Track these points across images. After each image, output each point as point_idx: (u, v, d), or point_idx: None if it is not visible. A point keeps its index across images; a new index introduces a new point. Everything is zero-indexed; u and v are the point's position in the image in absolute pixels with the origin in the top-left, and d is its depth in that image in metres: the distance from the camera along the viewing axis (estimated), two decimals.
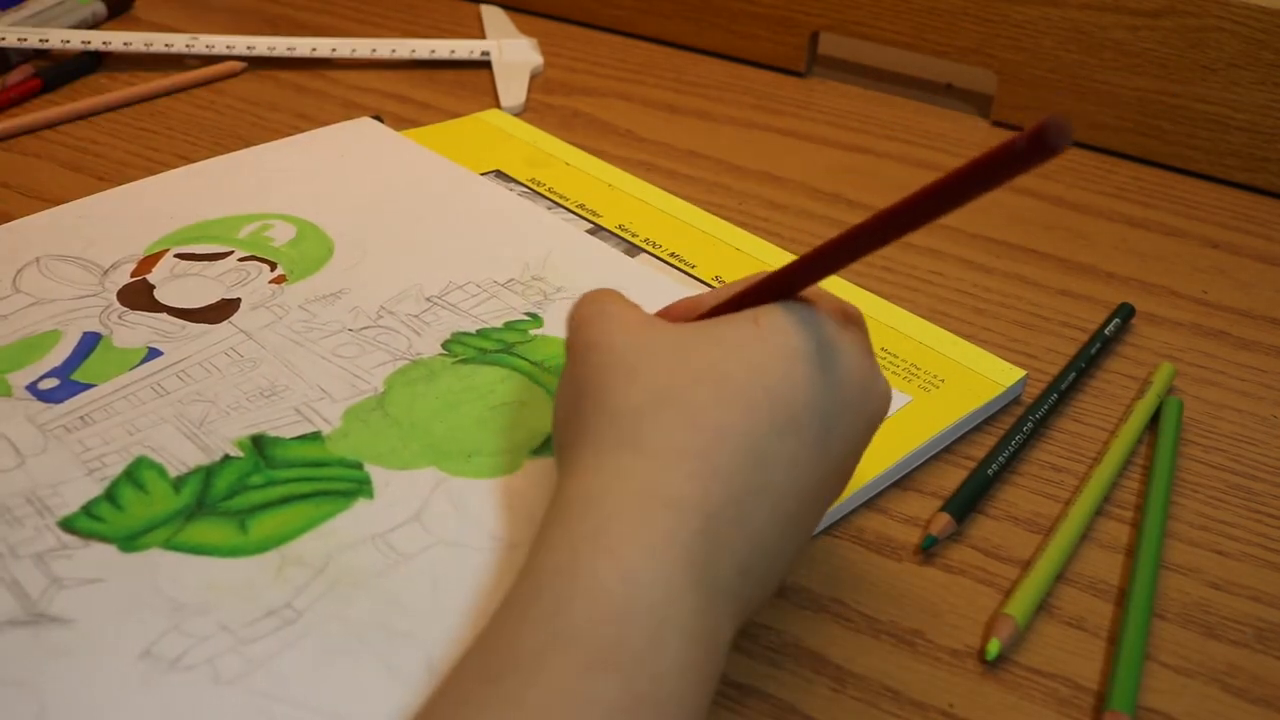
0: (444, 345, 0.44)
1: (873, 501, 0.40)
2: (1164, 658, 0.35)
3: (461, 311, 0.46)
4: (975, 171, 0.25)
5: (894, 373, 0.45)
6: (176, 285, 0.47)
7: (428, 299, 0.47)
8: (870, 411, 0.32)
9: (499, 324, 0.46)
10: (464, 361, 0.44)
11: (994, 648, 0.34)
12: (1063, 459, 0.43)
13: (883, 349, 0.46)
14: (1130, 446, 0.43)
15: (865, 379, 0.31)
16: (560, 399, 0.33)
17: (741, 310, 0.31)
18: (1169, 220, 0.60)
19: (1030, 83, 0.67)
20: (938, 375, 0.45)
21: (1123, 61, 0.64)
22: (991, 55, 0.67)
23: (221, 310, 0.46)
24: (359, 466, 0.38)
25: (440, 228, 0.52)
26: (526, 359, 0.44)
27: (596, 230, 0.54)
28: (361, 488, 0.38)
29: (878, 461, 0.40)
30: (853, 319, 0.32)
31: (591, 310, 0.32)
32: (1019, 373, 0.45)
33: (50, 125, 0.63)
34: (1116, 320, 0.50)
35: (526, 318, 0.46)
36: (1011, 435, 0.42)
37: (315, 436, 0.40)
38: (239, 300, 0.47)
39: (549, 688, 0.24)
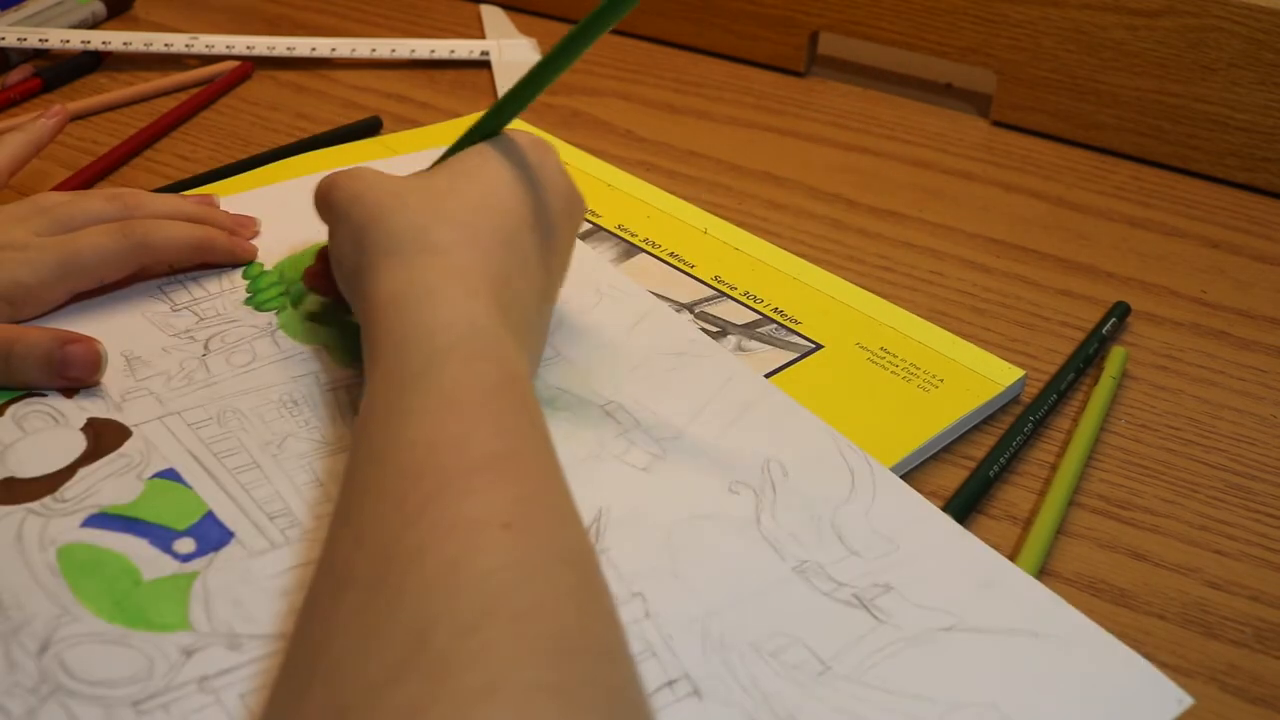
0: None
1: None
2: (1164, 657, 0.35)
3: None
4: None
5: (894, 373, 0.45)
6: None
7: None
8: (575, 213, 0.42)
9: None
10: None
11: None
12: (1062, 459, 0.43)
13: (882, 349, 0.46)
14: (1093, 434, 0.43)
15: (568, 189, 0.41)
16: (338, 247, 0.39)
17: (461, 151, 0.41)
18: (1169, 220, 0.60)
19: (1030, 82, 0.67)
20: (937, 375, 0.45)
21: (1123, 61, 0.63)
22: (991, 55, 0.67)
23: None
24: None
25: None
26: None
27: (595, 230, 0.54)
28: None
29: (878, 462, 0.40)
30: (546, 145, 0.42)
31: (342, 174, 0.40)
32: (1018, 373, 0.45)
33: None
34: (1113, 319, 0.50)
35: None
36: (1011, 436, 0.42)
37: None
38: None
39: (449, 377, 0.32)
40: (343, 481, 0.31)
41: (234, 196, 0.53)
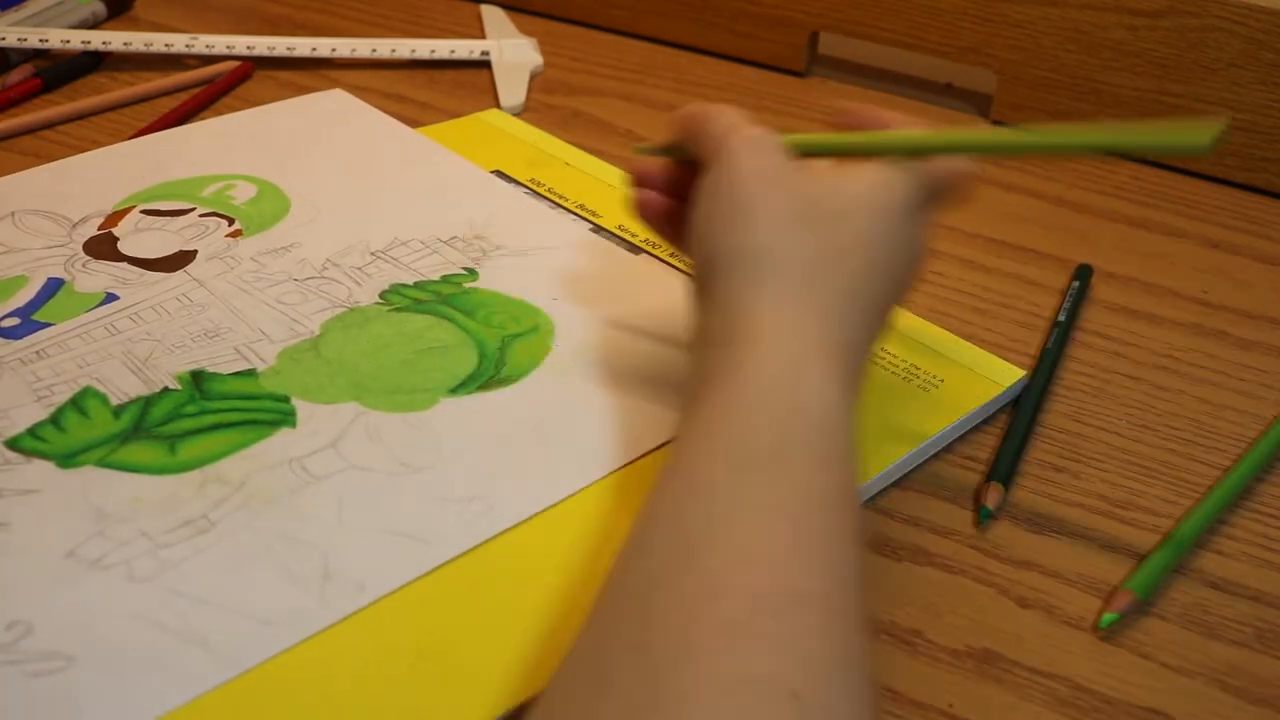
0: (381, 295, 0.47)
1: (873, 501, 0.40)
2: (1164, 658, 0.35)
3: (403, 265, 0.49)
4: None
5: (894, 373, 0.45)
6: (139, 238, 0.50)
7: (372, 253, 0.50)
8: (921, 274, 0.38)
9: (436, 277, 0.48)
10: (398, 310, 0.46)
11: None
12: (1063, 459, 0.43)
13: (883, 349, 0.46)
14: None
15: (925, 250, 0.37)
16: (705, 214, 0.36)
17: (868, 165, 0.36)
18: (1169, 220, 0.60)
19: (1030, 82, 0.67)
20: (937, 375, 0.45)
21: (1123, 61, 0.64)
22: (991, 55, 0.67)
23: (178, 260, 0.49)
24: (286, 400, 0.41)
25: (394, 189, 0.55)
26: (457, 309, 0.46)
27: (597, 230, 0.54)
28: (286, 418, 0.40)
29: (878, 461, 0.40)
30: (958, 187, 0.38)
31: (750, 134, 0.36)
32: (1019, 373, 0.45)
33: (50, 125, 0.63)
34: (1076, 283, 0.52)
35: (464, 271, 0.49)
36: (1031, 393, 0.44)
37: (250, 373, 0.42)
38: (195, 252, 0.49)
39: (791, 478, 0.29)
40: (639, 528, 0.29)
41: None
